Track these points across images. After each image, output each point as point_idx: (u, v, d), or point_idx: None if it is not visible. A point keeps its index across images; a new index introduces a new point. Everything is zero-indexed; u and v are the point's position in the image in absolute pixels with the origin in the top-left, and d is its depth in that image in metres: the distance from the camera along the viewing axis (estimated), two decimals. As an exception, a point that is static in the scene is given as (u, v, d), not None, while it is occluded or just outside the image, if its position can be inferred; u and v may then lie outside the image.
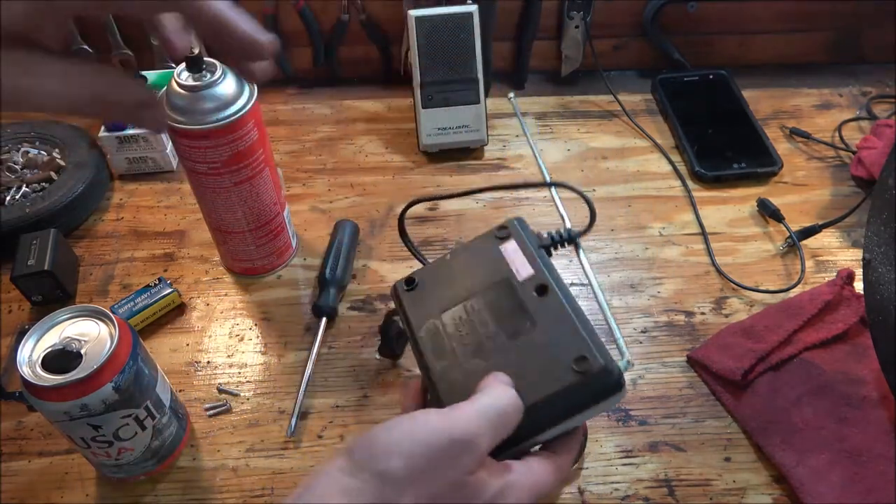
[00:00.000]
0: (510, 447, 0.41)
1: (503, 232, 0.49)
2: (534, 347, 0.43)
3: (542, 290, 0.45)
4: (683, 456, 0.55)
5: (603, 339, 0.43)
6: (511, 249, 0.47)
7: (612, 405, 0.42)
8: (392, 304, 0.57)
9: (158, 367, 0.51)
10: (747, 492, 0.53)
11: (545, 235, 0.50)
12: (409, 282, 0.50)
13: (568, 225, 0.51)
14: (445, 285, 0.48)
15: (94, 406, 0.45)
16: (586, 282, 0.49)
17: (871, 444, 0.53)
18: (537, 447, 0.43)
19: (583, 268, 0.50)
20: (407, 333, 0.48)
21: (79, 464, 0.54)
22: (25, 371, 0.44)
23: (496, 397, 0.39)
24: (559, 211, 0.54)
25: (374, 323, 0.63)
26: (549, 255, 0.49)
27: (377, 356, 0.60)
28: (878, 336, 0.53)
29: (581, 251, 0.51)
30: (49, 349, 0.45)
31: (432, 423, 0.37)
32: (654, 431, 0.56)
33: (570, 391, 0.41)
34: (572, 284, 0.55)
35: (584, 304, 0.45)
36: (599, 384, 0.41)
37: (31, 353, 0.45)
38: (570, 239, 0.50)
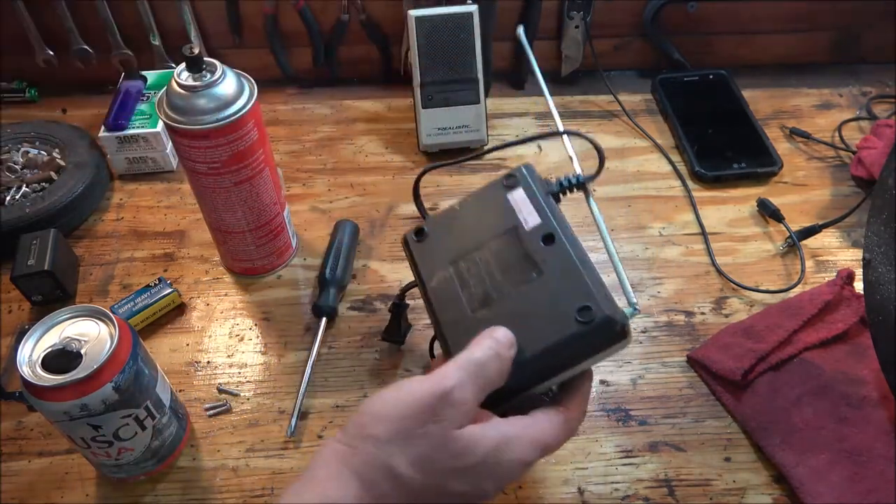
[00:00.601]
0: (510, 397, 0.41)
1: (511, 180, 0.48)
2: (539, 297, 0.43)
3: (549, 238, 0.44)
4: (683, 456, 0.55)
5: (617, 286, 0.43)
6: (519, 198, 0.47)
7: (616, 353, 0.42)
8: (404, 285, 0.57)
9: (158, 367, 0.51)
10: (747, 492, 0.53)
11: (554, 181, 0.49)
12: (419, 232, 0.49)
13: (578, 171, 0.51)
14: (454, 235, 0.48)
15: (94, 406, 0.45)
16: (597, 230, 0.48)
17: (871, 444, 0.53)
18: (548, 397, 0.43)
19: (592, 214, 0.49)
20: (418, 284, 0.48)
21: (79, 464, 0.54)
22: (25, 371, 0.44)
23: (475, 350, 0.39)
24: (569, 155, 0.53)
25: (374, 323, 0.63)
26: (558, 201, 0.48)
27: (382, 338, 0.60)
28: (878, 336, 0.53)
29: (590, 197, 0.50)
30: (49, 349, 0.45)
31: (414, 387, 0.38)
32: (654, 431, 0.56)
33: (573, 340, 0.41)
34: (580, 229, 0.53)
35: (593, 254, 0.45)
36: (602, 333, 0.41)
37: (31, 353, 0.45)
38: (578, 184, 0.49)
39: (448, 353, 0.42)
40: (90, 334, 0.46)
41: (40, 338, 0.46)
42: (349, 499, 0.37)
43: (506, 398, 0.41)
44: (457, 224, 0.48)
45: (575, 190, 0.49)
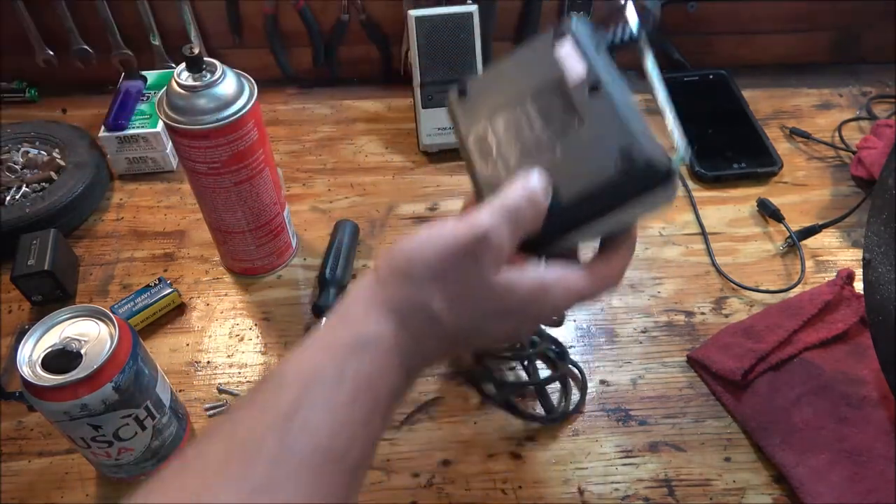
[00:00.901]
0: (547, 243, 0.41)
1: (559, 32, 0.46)
2: (580, 144, 0.41)
3: (595, 87, 0.43)
4: (683, 456, 0.55)
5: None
6: (567, 50, 0.45)
7: (661, 201, 0.40)
8: None
9: (158, 367, 0.51)
10: (747, 492, 0.53)
11: (607, 33, 0.48)
12: (462, 90, 0.47)
13: (634, 25, 0.50)
14: (497, 91, 0.46)
15: (94, 406, 0.45)
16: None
17: (871, 444, 0.53)
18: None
19: (646, 66, 0.48)
20: (458, 143, 0.47)
21: (79, 464, 0.54)
22: (25, 371, 0.44)
23: (509, 193, 0.39)
24: (629, 11, 0.52)
25: (374, 323, 0.63)
26: (611, 54, 0.46)
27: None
28: (878, 336, 0.53)
29: (645, 50, 0.49)
30: (49, 349, 0.45)
31: (449, 228, 0.37)
32: (654, 431, 0.56)
33: (612, 182, 0.39)
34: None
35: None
36: (645, 175, 0.39)
37: (31, 353, 0.45)
38: (632, 37, 0.48)
39: None
40: (90, 334, 0.46)
41: (40, 338, 0.46)
42: (386, 336, 0.36)
43: (543, 244, 0.40)
44: (501, 79, 0.47)
45: (628, 45, 0.48)
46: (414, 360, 0.37)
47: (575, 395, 0.58)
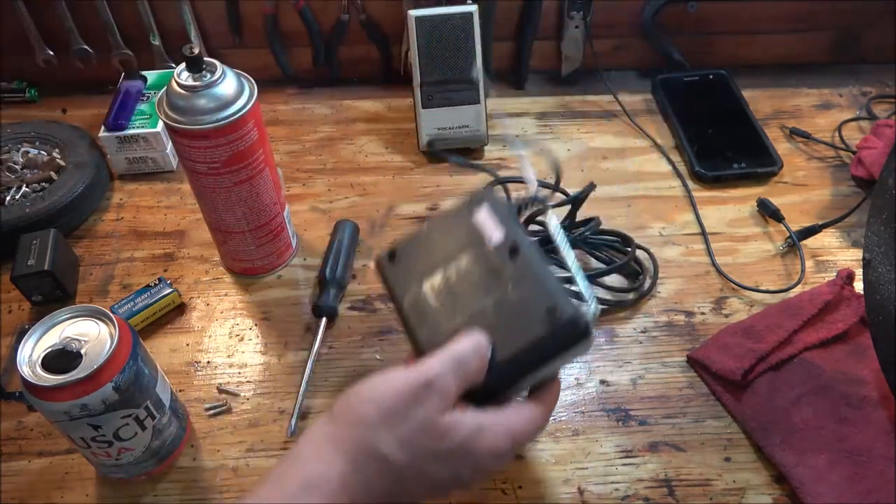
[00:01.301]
0: (488, 399, 0.44)
1: (475, 201, 0.51)
2: (508, 305, 0.46)
3: (514, 251, 0.48)
4: (683, 456, 0.55)
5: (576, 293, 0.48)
6: (484, 217, 0.50)
7: (582, 352, 0.46)
8: None
9: (158, 367, 0.51)
10: (747, 492, 0.53)
11: (514, 200, 0.53)
12: (391, 255, 0.52)
13: (534, 189, 0.56)
14: (425, 255, 0.51)
15: (94, 406, 0.45)
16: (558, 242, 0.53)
17: (871, 444, 0.53)
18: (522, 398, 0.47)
19: (550, 228, 0.54)
20: (394, 305, 0.51)
21: (79, 464, 0.54)
22: (25, 371, 0.44)
23: (455, 345, 0.42)
24: (527, 175, 0.58)
25: (374, 323, 0.63)
26: (518, 218, 0.52)
27: None
28: (878, 336, 0.53)
29: (548, 212, 0.55)
30: (49, 349, 0.45)
31: (401, 373, 0.41)
32: (654, 431, 0.56)
33: (543, 341, 0.44)
34: (540, 241, 0.59)
35: (554, 263, 0.52)
36: (568, 333, 0.44)
37: (31, 353, 0.45)
38: (536, 201, 0.55)
39: None
40: (90, 334, 0.46)
41: (40, 338, 0.46)
42: (334, 478, 0.38)
43: (483, 399, 0.44)
44: (426, 245, 0.52)
45: (532, 207, 0.55)
46: (362, 500, 0.39)
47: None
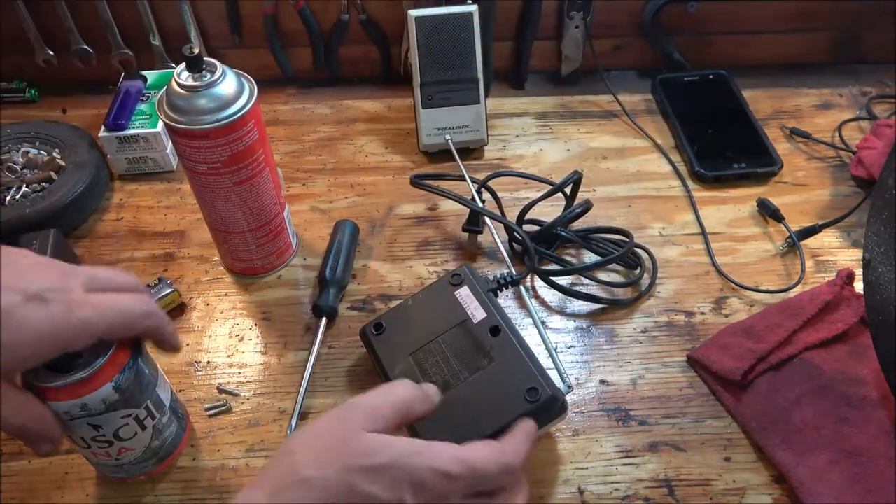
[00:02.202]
0: None
1: (456, 279, 0.56)
2: (491, 381, 0.50)
3: (495, 330, 0.53)
4: (683, 456, 0.55)
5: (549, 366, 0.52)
6: (465, 294, 0.55)
7: (556, 424, 0.52)
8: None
9: (158, 366, 0.51)
10: (747, 492, 0.53)
11: (492, 279, 0.58)
12: (378, 327, 0.56)
13: (512, 270, 0.61)
14: (410, 329, 0.55)
15: (94, 406, 0.45)
16: (535, 318, 0.60)
17: (871, 444, 0.53)
18: None
19: (528, 306, 0.61)
20: (379, 373, 0.54)
21: (79, 464, 0.54)
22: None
23: (400, 383, 0.43)
24: (503, 256, 0.63)
25: (374, 323, 0.64)
26: (497, 296, 0.57)
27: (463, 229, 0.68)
28: (878, 336, 0.53)
29: (524, 291, 0.61)
30: None
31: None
32: (654, 431, 0.56)
33: (525, 417, 0.48)
34: (517, 321, 0.62)
35: (532, 339, 0.56)
36: (548, 410, 0.49)
37: None
38: (513, 282, 0.59)
39: (416, 435, 0.46)
40: None
41: None
42: None
43: None
44: (411, 318, 0.56)
45: (510, 286, 0.59)
46: None
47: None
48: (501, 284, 0.58)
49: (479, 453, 0.40)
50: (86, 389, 0.44)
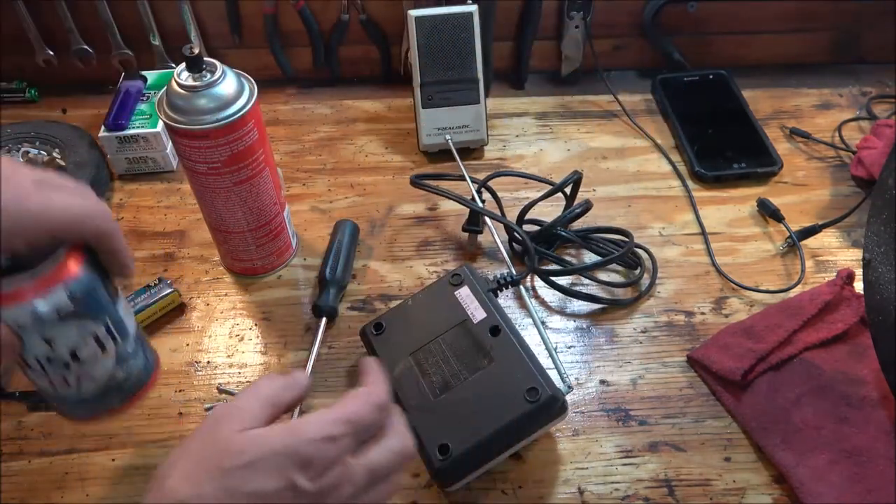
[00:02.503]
0: (470, 472, 0.49)
1: (456, 279, 0.56)
2: (491, 381, 0.51)
3: (495, 330, 0.53)
4: (683, 456, 0.55)
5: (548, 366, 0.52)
6: (465, 294, 0.55)
7: (556, 424, 0.52)
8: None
9: (122, 293, 0.45)
10: (747, 492, 0.53)
11: (492, 279, 0.58)
12: (378, 327, 0.56)
13: (512, 270, 0.61)
14: (410, 329, 0.55)
15: (46, 314, 0.39)
16: (536, 317, 0.60)
17: (871, 444, 0.53)
18: None
19: (527, 306, 0.61)
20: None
21: (79, 464, 0.54)
22: None
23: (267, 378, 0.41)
24: (504, 256, 0.63)
25: (374, 323, 0.64)
26: (497, 296, 0.57)
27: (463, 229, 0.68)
28: (878, 336, 0.53)
29: (524, 291, 0.61)
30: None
31: None
32: (654, 431, 0.56)
33: (524, 418, 0.49)
34: (517, 321, 0.62)
35: (532, 339, 0.56)
36: (548, 410, 0.49)
37: None
38: (513, 282, 0.59)
39: (417, 436, 0.46)
40: None
41: None
42: None
43: (467, 474, 0.49)
44: (411, 318, 0.56)
45: (510, 287, 0.59)
46: None
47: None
48: (501, 284, 0.58)
49: (350, 405, 0.39)
50: (36, 291, 0.39)
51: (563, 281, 0.65)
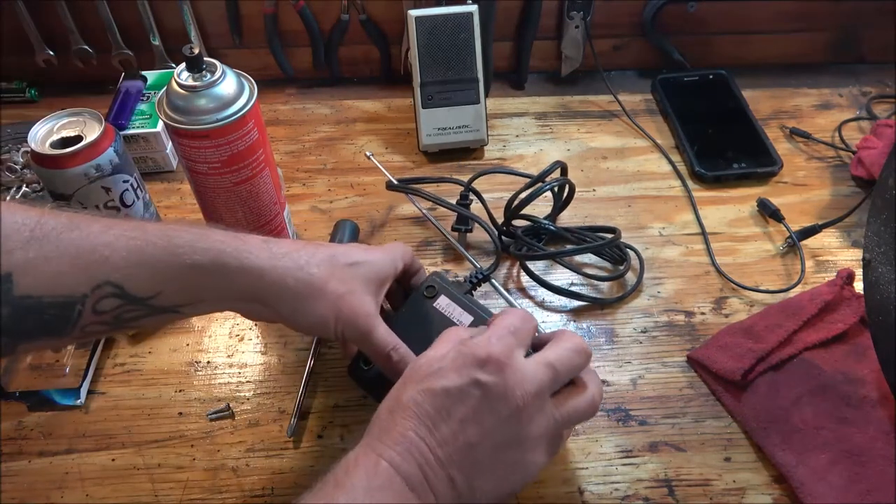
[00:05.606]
0: None
1: (430, 290, 0.54)
2: None
3: None
4: (683, 456, 0.55)
5: None
6: (445, 304, 0.53)
7: None
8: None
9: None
10: (747, 492, 0.53)
11: (464, 281, 0.58)
12: (367, 362, 0.53)
13: (478, 265, 0.64)
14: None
15: (104, 166, 0.56)
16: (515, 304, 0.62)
17: (871, 444, 0.53)
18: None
19: (503, 296, 0.64)
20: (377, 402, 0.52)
21: (79, 464, 0.54)
22: (39, 148, 0.55)
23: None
24: (464, 253, 0.67)
25: (374, 323, 0.63)
26: (472, 294, 0.56)
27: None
28: (878, 336, 0.53)
29: (495, 283, 0.63)
30: (53, 140, 0.57)
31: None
32: (654, 431, 0.56)
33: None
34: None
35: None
36: None
37: (39, 145, 0.56)
38: (484, 278, 0.59)
39: None
40: (80, 122, 0.59)
41: (43, 136, 0.58)
42: (359, 457, 0.40)
43: None
44: (401, 331, 0.51)
45: (482, 283, 0.59)
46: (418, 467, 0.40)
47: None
48: (474, 284, 0.57)
49: (511, 316, 0.47)
50: (95, 152, 0.56)
51: (555, 281, 0.65)
